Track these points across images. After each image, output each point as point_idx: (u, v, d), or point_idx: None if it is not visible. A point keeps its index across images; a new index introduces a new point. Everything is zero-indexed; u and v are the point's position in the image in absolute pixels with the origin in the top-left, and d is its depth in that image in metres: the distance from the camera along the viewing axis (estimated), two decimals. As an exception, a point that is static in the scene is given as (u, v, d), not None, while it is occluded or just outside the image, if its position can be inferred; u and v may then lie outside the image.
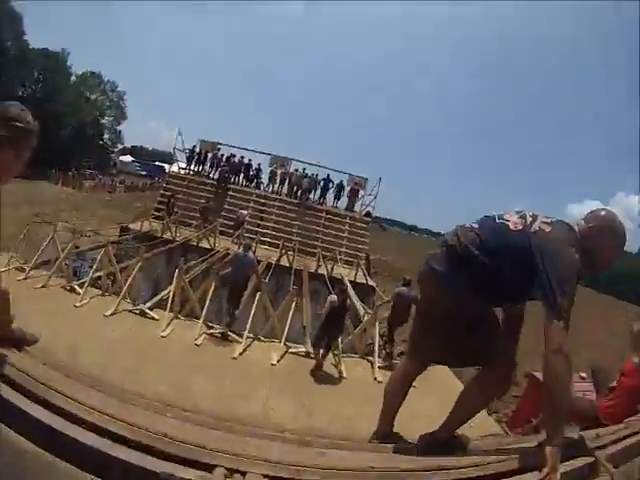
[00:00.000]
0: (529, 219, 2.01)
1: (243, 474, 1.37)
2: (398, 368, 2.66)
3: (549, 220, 1.99)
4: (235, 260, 8.29)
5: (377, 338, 8.01)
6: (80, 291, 7.82)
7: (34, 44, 41.84)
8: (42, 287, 7.78)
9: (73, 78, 47.55)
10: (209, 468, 1.37)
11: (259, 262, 11.14)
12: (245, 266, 8.06)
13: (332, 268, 15.05)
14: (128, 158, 53.43)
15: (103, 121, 52.83)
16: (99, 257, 9.20)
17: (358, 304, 9.73)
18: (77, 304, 7.33)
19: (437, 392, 5.57)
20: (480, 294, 2.08)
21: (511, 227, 2.02)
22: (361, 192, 21.55)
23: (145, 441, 1.46)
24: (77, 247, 10.61)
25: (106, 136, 53.90)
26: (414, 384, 5.75)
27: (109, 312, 7.24)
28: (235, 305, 8.00)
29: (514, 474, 1.61)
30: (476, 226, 2.14)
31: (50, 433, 1.38)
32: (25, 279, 7.94)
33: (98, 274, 9.10)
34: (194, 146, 22.34)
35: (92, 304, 7.55)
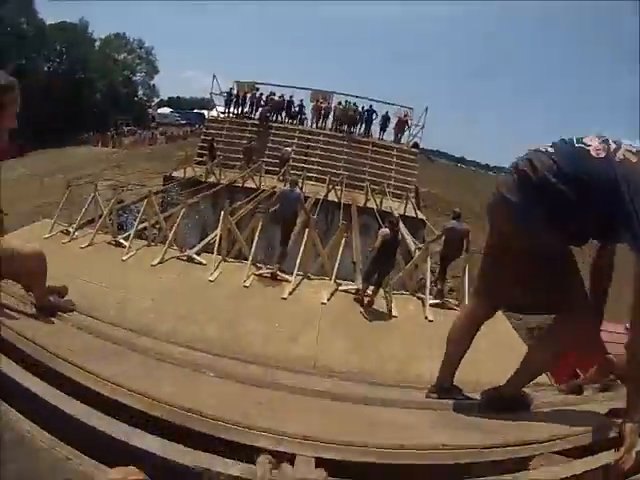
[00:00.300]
0: (612, 146, 1.70)
1: (291, 458, 1.15)
2: (464, 312, 2.38)
3: (635, 149, 1.70)
4: (282, 196, 8.14)
5: (429, 275, 7.73)
6: (126, 244, 7.85)
7: (51, 20, 42.33)
8: (88, 246, 7.81)
9: (97, 43, 47.66)
10: (251, 453, 1.14)
11: (306, 199, 10.98)
12: (292, 202, 7.94)
13: (381, 202, 14.72)
14: (166, 110, 53.41)
15: (135, 78, 53.12)
16: (142, 208, 9.16)
17: (409, 239, 9.43)
18: (124, 257, 7.38)
19: (488, 330, 5.42)
20: (556, 229, 1.80)
21: (592, 153, 1.71)
22: (410, 122, 20.66)
23: (174, 420, 1.25)
24: (120, 202, 10.63)
25: (140, 92, 54.36)
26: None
27: (156, 261, 7.27)
28: (285, 243, 7.98)
29: (591, 451, 1.40)
30: (551, 150, 1.82)
31: (53, 413, 1.17)
32: (70, 241, 7.97)
33: (143, 225, 9.09)
34: (231, 89, 21.92)
35: (138, 255, 7.60)
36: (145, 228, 9.19)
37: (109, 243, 8.08)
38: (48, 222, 8.71)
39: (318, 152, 19.09)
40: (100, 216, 8.87)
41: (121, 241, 8.09)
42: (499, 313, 7.17)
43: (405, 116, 20.69)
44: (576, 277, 1.97)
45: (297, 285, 7.12)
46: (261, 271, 7.44)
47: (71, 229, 8.29)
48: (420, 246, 8.70)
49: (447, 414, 1.98)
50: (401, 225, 9.57)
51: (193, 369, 2.22)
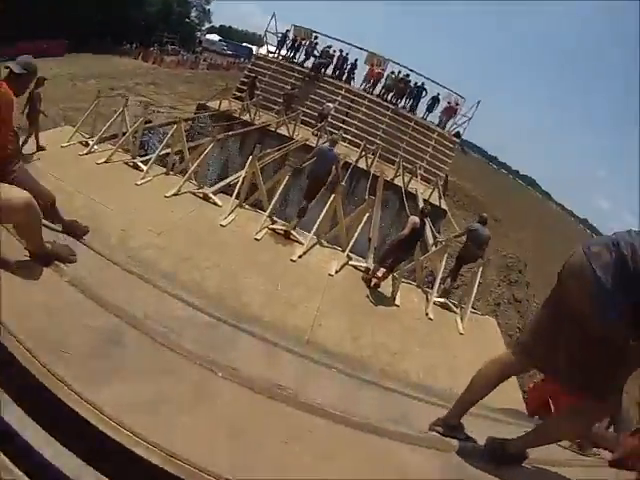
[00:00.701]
0: None
1: None
2: (499, 361, 2.24)
3: None
4: (319, 154, 7.92)
5: (440, 272, 7.53)
6: (144, 168, 7.53)
7: None
8: (105, 162, 7.47)
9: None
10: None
11: (337, 159, 10.76)
12: (329, 160, 7.73)
13: (409, 181, 14.50)
14: (215, 37, 52.43)
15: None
16: (170, 133, 8.77)
17: (429, 233, 9.20)
18: (138, 182, 7.07)
19: (481, 343, 5.70)
20: (636, 324, 1.65)
21: None
22: (459, 110, 20.03)
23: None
24: (148, 122, 10.23)
25: (193, 14, 52.84)
26: (461, 332, 6.04)
27: (170, 193, 6.99)
28: (310, 199, 7.82)
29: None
30: None
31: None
32: (87, 154, 7.60)
33: (166, 151, 8.73)
34: (287, 31, 21.43)
35: (154, 183, 7.30)
36: (167, 154, 8.85)
37: (126, 164, 7.74)
38: (69, 130, 8.41)
39: (359, 116, 18.74)
40: (124, 133, 8.50)
41: (139, 164, 7.75)
42: (496, 327, 7.13)
43: (456, 104, 20.11)
44: (627, 370, 1.88)
45: (309, 249, 6.90)
46: (275, 226, 7.22)
47: (91, 141, 7.94)
48: (441, 239, 8.46)
49: (452, 457, 1.99)
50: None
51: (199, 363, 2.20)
